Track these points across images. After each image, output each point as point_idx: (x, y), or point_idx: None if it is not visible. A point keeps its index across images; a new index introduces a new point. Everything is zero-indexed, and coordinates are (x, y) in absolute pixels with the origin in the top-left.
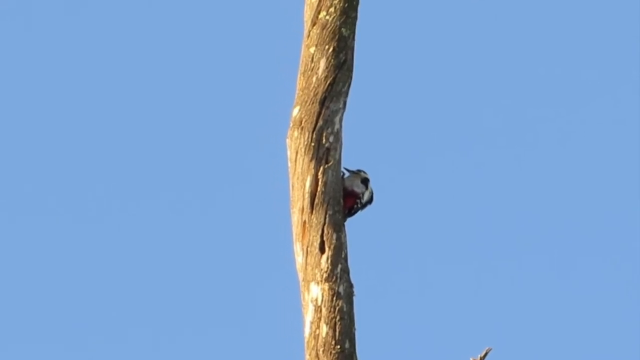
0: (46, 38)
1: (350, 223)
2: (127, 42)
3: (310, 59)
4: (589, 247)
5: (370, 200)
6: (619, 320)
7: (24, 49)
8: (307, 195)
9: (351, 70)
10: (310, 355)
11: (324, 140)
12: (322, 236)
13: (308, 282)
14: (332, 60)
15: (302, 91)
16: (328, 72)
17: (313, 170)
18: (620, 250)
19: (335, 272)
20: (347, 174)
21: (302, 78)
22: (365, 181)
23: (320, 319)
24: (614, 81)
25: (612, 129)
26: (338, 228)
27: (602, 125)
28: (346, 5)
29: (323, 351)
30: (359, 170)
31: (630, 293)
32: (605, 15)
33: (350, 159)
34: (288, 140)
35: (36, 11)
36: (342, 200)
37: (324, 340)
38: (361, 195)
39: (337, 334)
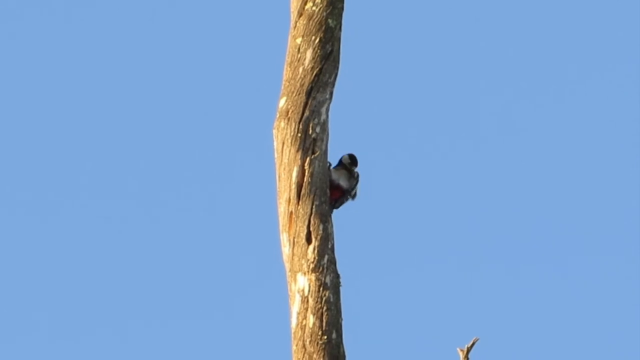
0: (41, 37)
1: (337, 214)
2: (115, 37)
3: (296, 50)
4: (579, 242)
5: (355, 193)
6: (617, 317)
7: (22, 49)
8: (293, 186)
9: (337, 61)
10: (297, 345)
11: (310, 131)
12: (308, 227)
13: (295, 273)
14: (319, 51)
15: (289, 82)
16: (314, 62)
17: (299, 161)
18: (617, 247)
19: (322, 262)
20: (333, 165)
21: (288, 69)
22: (351, 173)
23: (307, 309)
24: (613, 81)
25: (612, 129)
26: (325, 219)
27: (601, 125)
28: None
29: (310, 341)
30: (347, 157)
31: (623, 287)
32: (601, 14)
33: (336, 150)
34: (274, 131)
35: (33, 11)
36: (328, 192)
37: (310, 330)
38: (348, 190)
39: (324, 324)
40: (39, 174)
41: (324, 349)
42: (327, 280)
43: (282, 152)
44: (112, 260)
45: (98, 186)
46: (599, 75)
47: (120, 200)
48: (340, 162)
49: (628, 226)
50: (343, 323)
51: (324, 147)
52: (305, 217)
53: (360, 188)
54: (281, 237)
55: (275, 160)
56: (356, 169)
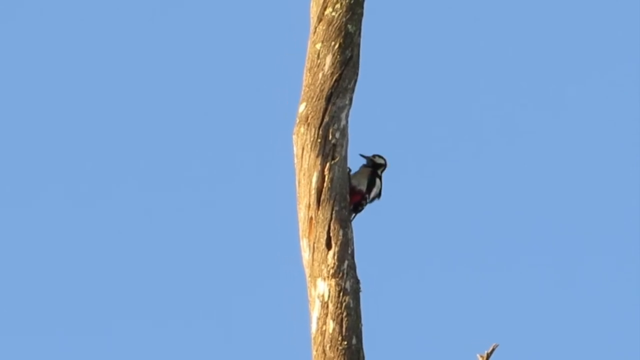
0: (41, 37)
1: (357, 219)
2: (130, 42)
3: (316, 56)
4: (590, 245)
5: (378, 196)
6: (620, 318)
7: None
8: (313, 192)
9: (357, 67)
10: (317, 351)
11: (330, 137)
12: (328, 232)
13: (315, 278)
14: (338, 57)
15: (309, 87)
16: (334, 68)
17: (319, 167)
18: (620, 248)
19: (342, 268)
20: (356, 169)
21: (308, 74)
22: (373, 177)
23: (327, 315)
24: (614, 82)
25: (613, 130)
26: (344, 224)
27: (602, 127)
28: (352, 1)
29: (330, 347)
30: (374, 156)
31: (629, 288)
32: (601, 15)
33: (356, 156)
34: (294, 137)
35: (33, 10)
36: (348, 197)
37: (330, 336)
38: (367, 195)
39: (343, 329)
40: (39, 174)
41: (344, 354)
42: (347, 285)
43: (302, 157)
44: (133, 267)
45: (119, 185)
46: (600, 76)
47: (139, 204)
48: (368, 163)
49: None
50: (363, 328)
51: (343, 153)
52: (325, 222)
53: (382, 192)
54: (301, 243)
55: (295, 165)
56: (380, 172)
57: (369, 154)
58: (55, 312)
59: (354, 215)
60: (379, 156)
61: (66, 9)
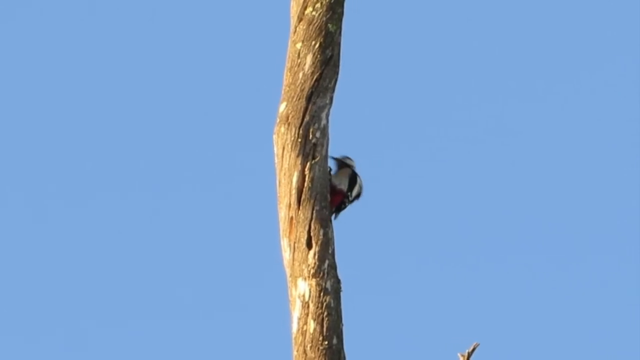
0: (41, 37)
1: (337, 219)
2: (115, 38)
3: (296, 55)
4: (572, 243)
5: (359, 195)
6: (617, 319)
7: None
8: (294, 191)
9: (338, 66)
10: (298, 351)
11: (310, 136)
12: (309, 232)
13: (295, 278)
14: (319, 56)
15: (289, 87)
16: (314, 67)
17: (300, 166)
18: (617, 248)
19: (323, 267)
20: (334, 170)
21: (288, 74)
22: (354, 176)
23: (307, 314)
24: (611, 82)
25: (610, 130)
26: (325, 224)
27: (599, 126)
28: (332, 1)
29: (311, 347)
30: (344, 157)
31: (623, 288)
32: (601, 15)
33: (337, 155)
34: (275, 136)
35: (32, 10)
36: (329, 197)
37: (311, 336)
38: (349, 194)
39: (324, 329)
40: (39, 174)
41: (325, 354)
42: (328, 285)
43: (282, 157)
44: (107, 261)
45: (95, 186)
46: (596, 75)
47: (115, 201)
48: (340, 164)
49: (630, 227)
50: (344, 328)
51: (324, 152)
52: (305, 222)
53: (363, 191)
54: (282, 243)
55: (276, 165)
56: (355, 168)
57: (338, 155)
58: (54, 311)
59: (337, 214)
60: (349, 158)
61: (60, 10)
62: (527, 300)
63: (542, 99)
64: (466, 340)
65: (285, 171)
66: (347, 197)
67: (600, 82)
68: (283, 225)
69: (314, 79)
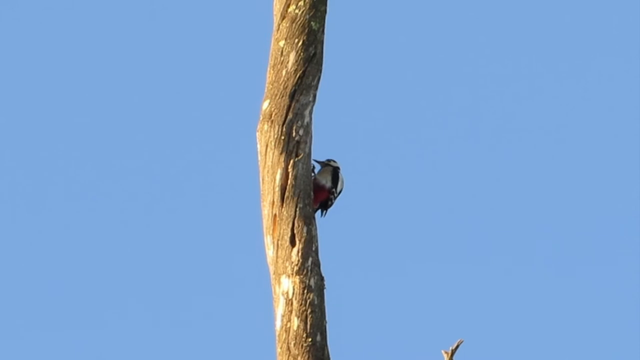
0: (40, 37)
1: (320, 216)
2: (102, 37)
3: (279, 53)
4: (557, 242)
5: (340, 191)
6: (602, 318)
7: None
8: (277, 189)
9: (321, 64)
10: (281, 348)
11: (294, 134)
12: (292, 229)
13: (279, 275)
14: (302, 54)
15: (272, 84)
16: (298, 65)
17: (283, 164)
18: (607, 248)
19: (306, 265)
20: (318, 167)
21: (271, 71)
22: (336, 172)
23: (291, 312)
24: (612, 81)
25: (611, 130)
26: (308, 221)
27: (600, 126)
28: None
29: (294, 344)
30: (329, 160)
31: (612, 288)
32: (600, 15)
33: (320, 152)
34: (258, 134)
35: (32, 10)
36: (312, 194)
37: (295, 333)
38: (334, 190)
39: (308, 326)
40: (38, 174)
41: (309, 351)
42: (312, 282)
43: (265, 154)
44: (95, 260)
45: (86, 186)
46: (596, 75)
47: (104, 200)
48: (324, 162)
49: (621, 227)
50: (327, 325)
51: (307, 150)
52: (289, 219)
53: (345, 187)
54: (265, 240)
55: (259, 163)
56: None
57: (323, 159)
58: (54, 312)
59: (325, 211)
60: (333, 160)
61: (56, 10)
62: (512, 298)
63: (543, 98)
64: (450, 337)
65: (269, 169)
66: (333, 194)
67: (601, 82)
68: (266, 222)
69: (297, 76)
